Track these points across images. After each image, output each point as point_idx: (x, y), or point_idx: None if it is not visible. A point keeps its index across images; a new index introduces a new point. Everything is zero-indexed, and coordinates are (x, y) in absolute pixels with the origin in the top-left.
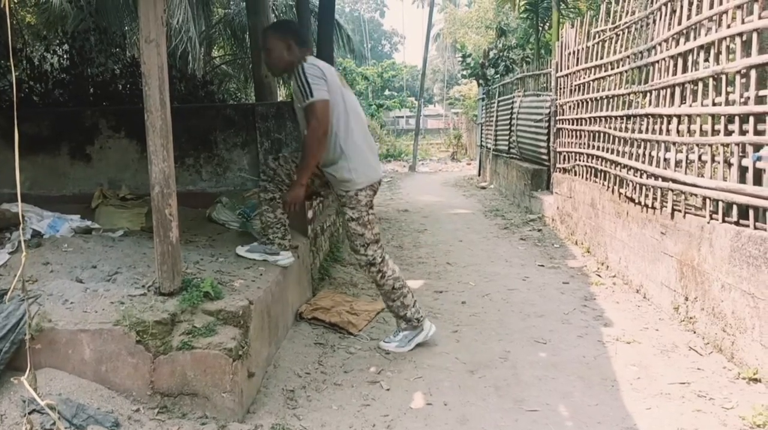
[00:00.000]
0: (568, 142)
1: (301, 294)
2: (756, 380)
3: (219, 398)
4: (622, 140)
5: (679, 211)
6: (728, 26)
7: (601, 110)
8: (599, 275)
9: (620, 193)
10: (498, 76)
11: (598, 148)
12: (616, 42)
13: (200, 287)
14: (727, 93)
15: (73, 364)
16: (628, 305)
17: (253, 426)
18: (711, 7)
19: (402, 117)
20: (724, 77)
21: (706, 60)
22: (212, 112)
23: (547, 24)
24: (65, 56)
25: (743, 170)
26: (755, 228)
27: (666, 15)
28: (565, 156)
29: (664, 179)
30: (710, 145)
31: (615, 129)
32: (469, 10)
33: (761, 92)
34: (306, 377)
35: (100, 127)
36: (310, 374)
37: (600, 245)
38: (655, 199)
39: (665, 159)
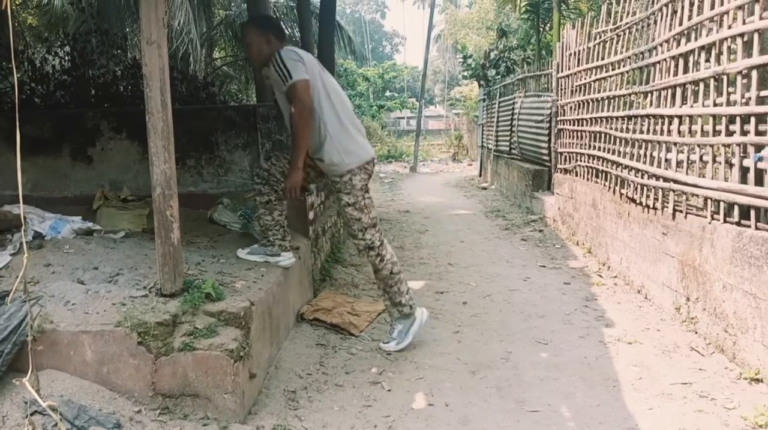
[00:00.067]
0: (569, 143)
1: (302, 295)
2: (758, 381)
3: (220, 399)
4: (623, 141)
5: (681, 211)
6: (729, 27)
7: (602, 111)
8: (600, 276)
9: (621, 194)
10: (499, 76)
11: (599, 149)
12: (617, 43)
13: (202, 288)
14: (728, 94)
15: (75, 365)
16: (629, 306)
17: (254, 427)
18: (712, 7)
19: (403, 118)
20: (725, 78)
21: (707, 60)
22: (213, 113)
23: (548, 25)
24: (67, 58)
25: (744, 171)
26: (757, 228)
27: (667, 16)
28: (566, 157)
29: (666, 180)
30: (711, 146)
31: (616, 130)
32: (470, 11)
33: (762, 93)
34: (307, 378)
35: (102, 128)
36: (312, 375)
37: (601, 246)
38: (656, 199)
39: (666, 159)
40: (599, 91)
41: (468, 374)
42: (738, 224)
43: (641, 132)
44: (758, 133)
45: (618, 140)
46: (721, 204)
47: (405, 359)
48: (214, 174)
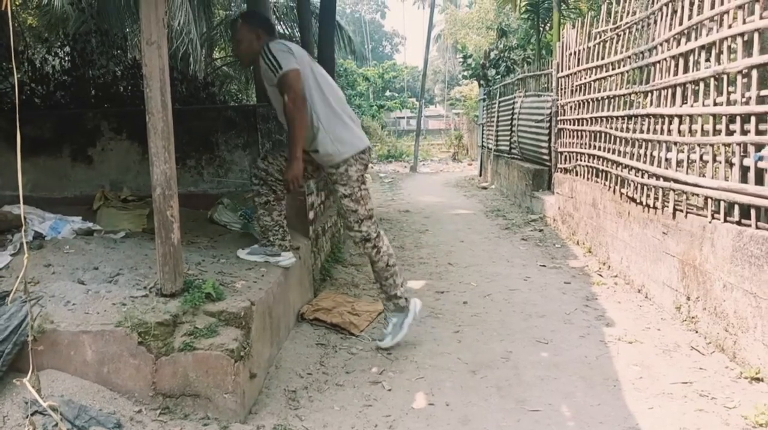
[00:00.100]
0: (570, 143)
1: (302, 295)
2: (758, 380)
3: (221, 398)
4: (623, 140)
5: (681, 211)
6: (729, 26)
7: (603, 110)
8: (601, 275)
9: (622, 193)
10: (499, 76)
11: (599, 149)
12: (617, 42)
13: (202, 288)
14: (729, 93)
15: (75, 365)
16: (629, 305)
17: (255, 427)
18: (712, 7)
19: (403, 118)
20: (725, 77)
21: (708, 60)
22: (214, 113)
23: (548, 24)
24: (67, 58)
25: (745, 170)
26: (757, 228)
27: (667, 15)
28: (566, 156)
29: (666, 179)
30: (711, 145)
31: (616, 129)
32: (470, 10)
33: (762, 92)
34: (308, 378)
35: (102, 129)
36: (312, 375)
37: (601, 245)
38: (656, 199)
39: (666, 159)
40: (599, 91)
41: (468, 373)
42: (738, 223)
43: (641, 131)
44: (758, 132)
45: (618, 140)
46: (722, 203)
47: (405, 358)
48: (214, 174)
